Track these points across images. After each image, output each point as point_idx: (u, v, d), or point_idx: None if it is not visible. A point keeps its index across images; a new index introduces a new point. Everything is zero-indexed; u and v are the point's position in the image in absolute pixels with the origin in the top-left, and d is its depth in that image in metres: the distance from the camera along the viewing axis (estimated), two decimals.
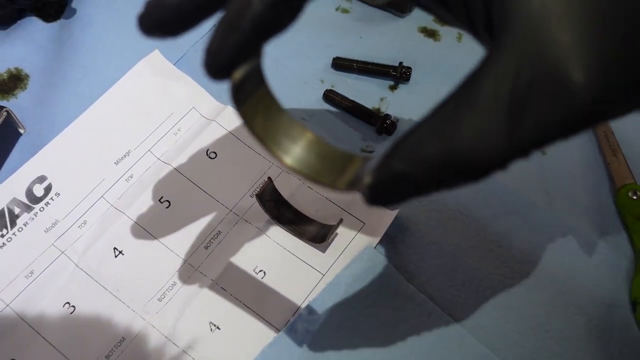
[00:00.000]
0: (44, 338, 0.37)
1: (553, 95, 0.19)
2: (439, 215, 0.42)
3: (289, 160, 0.26)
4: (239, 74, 0.24)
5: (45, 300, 0.38)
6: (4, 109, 0.43)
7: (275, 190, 0.41)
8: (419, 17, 0.50)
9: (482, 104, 0.20)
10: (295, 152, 0.26)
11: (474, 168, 0.20)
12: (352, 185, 0.25)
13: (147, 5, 0.26)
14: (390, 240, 0.41)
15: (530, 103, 0.19)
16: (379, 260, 0.39)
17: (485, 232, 0.41)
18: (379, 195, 0.23)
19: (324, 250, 0.41)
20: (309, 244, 0.41)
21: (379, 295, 0.39)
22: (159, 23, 0.26)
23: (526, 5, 0.19)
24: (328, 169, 0.26)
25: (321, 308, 0.38)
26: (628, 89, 0.19)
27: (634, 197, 0.42)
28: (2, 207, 0.41)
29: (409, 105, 0.46)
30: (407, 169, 0.21)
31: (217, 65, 0.23)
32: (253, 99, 0.26)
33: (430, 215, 0.42)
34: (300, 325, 0.37)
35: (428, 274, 0.40)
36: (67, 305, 0.38)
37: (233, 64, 0.24)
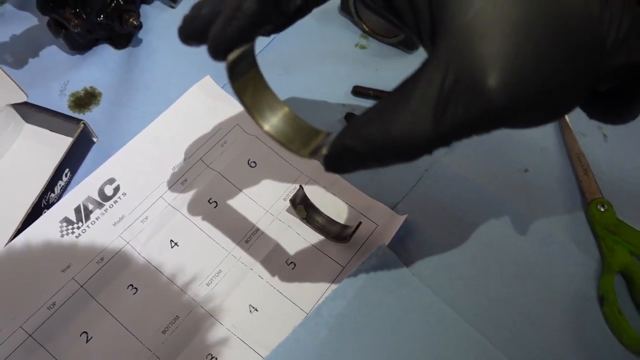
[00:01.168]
0: (111, 314, 0.36)
1: (470, 97, 0.19)
2: (441, 220, 0.40)
3: (266, 126, 0.27)
4: (232, 56, 0.25)
5: (113, 283, 0.37)
6: (81, 122, 0.41)
7: (305, 196, 0.40)
8: (425, 53, 0.49)
9: (414, 100, 0.20)
10: (273, 121, 0.27)
11: (405, 151, 0.21)
12: (313, 154, 0.25)
13: (184, 19, 0.26)
14: (400, 240, 0.39)
15: (451, 102, 0.19)
16: (390, 257, 0.38)
17: (478, 235, 0.40)
18: (332, 164, 0.24)
19: (344, 247, 0.39)
20: (332, 241, 0.39)
21: (390, 286, 0.37)
22: (193, 33, 0.26)
23: (457, 23, 0.20)
24: (297, 138, 0.26)
25: (343, 295, 0.36)
26: (531, 100, 0.19)
27: (602, 210, 0.40)
28: (78, 204, 0.39)
29: None
30: (355, 144, 0.22)
31: (215, 48, 0.25)
32: (245, 77, 0.27)
33: (434, 220, 0.40)
34: (325, 309, 0.36)
35: (431, 269, 0.38)
36: (131, 287, 0.37)
37: (228, 48, 0.25)
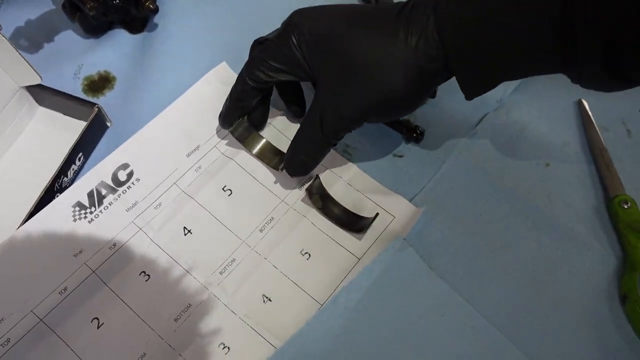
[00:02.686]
0: (122, 300, 0.35)
1: (332, 118, 0.35)
2: (459, 214, 0.39)
3: (254, 151, 0.41)
4: (233, 127, 0.40)
5: (125, 269, 0.36)
6: (96, 105, 0.40)
7: (321, 186, 0.39)
8: None
9: (309, 121, 0.36)
10: (258, 148, 0.41)
11: (315, 147, 0.37)
12: (282, 169, 0.39)
13: (222, 113, 0.40)
14: (417, 233, 0.38)
15: (324, 121, 0.35)
16: (408, 250, 0.37)
17: (497, 230, 0.38)
18: (289, 171, 0.38)
19: (359, 238, 0.38)
20: (347, 232, 0.38)
21: (406, 279, 0.36)
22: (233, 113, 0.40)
23: (322, 86, 0.35)
24: (273, 158, 0.41)
25: (358, 288, 0.35)
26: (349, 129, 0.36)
27: (625, 206, 0.39)
28: (91, 189, 0.38)
29: (434, 117, 0.44)
30: (293, 156, 0.37)
31: (222, 122, 0.40)
32: (247, 137, 0.41)
33: (452, 214, 0.39)
34: (340, 301, 0.35)
35: (448, 264, 0.37)
36: (143, 274, 0.36)
37: (230, 123, 0.40)
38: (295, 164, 0.37)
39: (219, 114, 0.40)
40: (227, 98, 0.39)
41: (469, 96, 0.33)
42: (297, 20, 0.35)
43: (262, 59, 0.36)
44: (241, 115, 0.39)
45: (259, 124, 0.41)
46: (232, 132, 0.40)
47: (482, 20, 0.29)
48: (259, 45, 0.38)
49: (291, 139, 0.38)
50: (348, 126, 0.35)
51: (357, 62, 0.32)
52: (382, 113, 0.35)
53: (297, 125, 0.42)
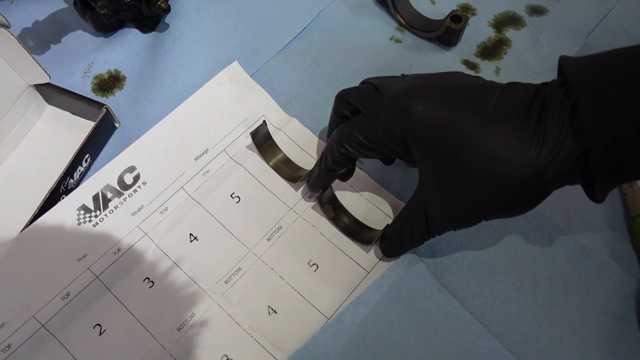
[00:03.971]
0: (125, 307, 0.34)
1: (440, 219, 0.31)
2: (472, 229, 0.37)
3: (270, 163, 0.40)
4: (254, 130, 0.40)
5: (129, 275, 0.35)
6: (104, 106, 0.39)
7: (334, 196, 0.38)
8: (463, 50, 0.46)
9: (412, 215, 0.33)
10: (275, 160, 0.40)
11: (414, 241, 0.34)
12: (300, 181, 0.39)
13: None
14: (429, 247, 0.37)
15: (432, 220, 0.32)
16: (418, 265, 0.36)
17: (512, 247, 0.37)
18: (386, 254, 0.37)
19: (368, 251, 0.37)
20: (357, 243, 0.37)
21: (416, 295, 0.35)
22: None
23: (427, 179, 0.31)
24: (289, 171, 0.40)
25: (366, 302, 0.34)
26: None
27: None
28: (97, 192, 0.37)
29: None
30: (391, 244, 0.35)
31: (311, 187, 0.38)
32: (264, 144, 0.40)
33: (466, 230, 0.37)
34: (347, 316, 0.34)
35: (460, 280, 0.36)
36: (147, 280, 0.35)
37: (320, 189, 0.38)
38: (390, 250, 0.36)
39: (308, 178, 0.37)
40: (317, 165, 0.36)
41: (602, 201, 0.29)
42: (404, 106, 0.30)
43: (354, 135, 0.33)
44: (332, 181, 0.37)
45: (346, 177, 0.38)
46: (251, 135, 0.39)
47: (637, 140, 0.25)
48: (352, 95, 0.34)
49: (314, 156, 0.37)
50: (456, 227, 0.31)
51: (473, 162, 0.28)
52: (494, 217, 0.31)
53: (317, 141, 0.42)
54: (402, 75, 0.34)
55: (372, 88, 0.33)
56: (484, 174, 0.28)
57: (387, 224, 0.36)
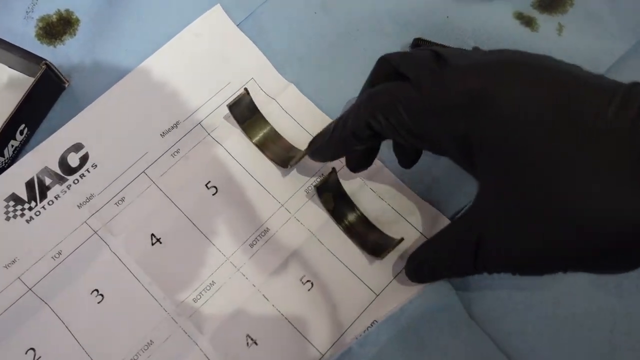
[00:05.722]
0: (66, 327, 0.27)
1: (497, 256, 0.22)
2: None
3: (254, 139, 0.31)
4: (233, 101, 0.30)
5: (73, 286, 0.28)
6: (43, 62, 0.30)
7: (338, 182, 0.29)
8: None
9: (457, 241, 0.24)
10: (260, 136, 0.31)
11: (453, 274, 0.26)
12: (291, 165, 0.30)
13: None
14: None
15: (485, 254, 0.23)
16: (444, 291, 0.27)
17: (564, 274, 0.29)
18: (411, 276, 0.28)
19: (380, 267, 0.29)
20: (362, 251, 0.29)
21: (439, 331, 0.27)
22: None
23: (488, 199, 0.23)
24: (279, 151, 0.31)
25: (375, 342, 0.26)
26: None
27: None
28: (31, 177, 0.29)
29: None
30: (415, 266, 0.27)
31: (313, 155, 0.29)
32: (249, 119, 0.31)
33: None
34: (348, 358, 0.26)
35: (494, 312, 0.28)
36: (96, 292, 0.28)
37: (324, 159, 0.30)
38: (416, 274, 0.27)
39: (311, 140, 0.29)
40: (329, 128, 0.27)
41: None
42: (479, 89, 0.21)
43: (394, 107, 0.23)
44: (343, 155, 0.29)
45: (361, 166, 0.29)
46: (229, 108, 0.30)
47: None
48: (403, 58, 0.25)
49: (313, 135, 0.28)
50: (517, 272, 0.22)
51: (569, 195, 0.19)
52: (577, 269, 0.22)
53: (321, 115, 0.32)
54: (475, 48, 0.24)
55: (432, 55, 0.23)
56: (583, 214, 0.19)
57: (402, 237, 0.28)
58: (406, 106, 0.23)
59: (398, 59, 0.25)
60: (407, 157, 0.28)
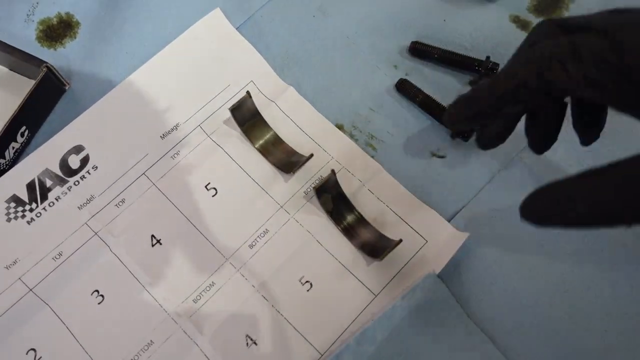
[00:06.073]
0: (67, 328, 0.27)
1: None
2: (513, 244, 0.29)
3: (257, 145, 0.31)
4: (234, 105, 0.31)
5: (74, 286, 0.28)
6: (44, 64, 0.30)
7: (336, 184, 0.29)
8: (512, 3, 0.35)
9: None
10: (262, 143, 0.31)
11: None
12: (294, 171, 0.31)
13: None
14: (455, 266, 0.29)
15: None
16: (441, 291, 0.28)
17: (561, 271, 0.29)
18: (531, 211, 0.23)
19: (379, 268, 0.29)
20: (360, 252, 0.29)
21: (436, 330, 0.27)
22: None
23: None
24: (280, 156, 0.31)
25: (372, 340, 0.26)
26: None
27: None
28: (32, 178, 0.29)
29: None
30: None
31: (450, 120, 0.26)
32: (249, 122, 0.31)
33: (503, 244, 0.29)
34: (346, 356, 0.26)
35: (493, 311, 0.28)
36: (96, 293, 0.28)
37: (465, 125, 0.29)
38: (560, 214, 0.22)
39: (449, 107, 0.26)
40: (478, 89, 0.25)
41: None
42: None
43: (588, 57, 0.20)
44: (482, 123, 0.26)
45: (499, 138, 0.27)
46: (231, 111, 0.30)
47: None
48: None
49: (314, 138, 0.29)
50: None
51: None
52: None
53: (321, 118, 0.32)
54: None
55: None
56: None
57: (400, 239, 0.28)
58: (597, 58, 0.20)
59: (567, 18, 0.23)
60: (588, 118, 0.25)
